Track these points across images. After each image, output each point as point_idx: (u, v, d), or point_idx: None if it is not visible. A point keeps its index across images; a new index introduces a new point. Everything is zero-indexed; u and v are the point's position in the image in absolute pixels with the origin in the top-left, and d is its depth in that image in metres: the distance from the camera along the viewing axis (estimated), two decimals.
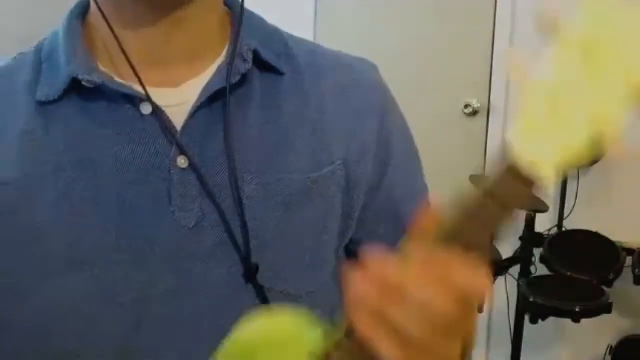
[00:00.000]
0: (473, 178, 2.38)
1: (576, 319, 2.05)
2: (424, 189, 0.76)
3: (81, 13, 0.70)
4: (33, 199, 0.65)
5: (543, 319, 2.09)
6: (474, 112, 2.68)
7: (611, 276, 2.16)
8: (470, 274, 0.47)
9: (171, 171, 0.65)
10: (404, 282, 0.48)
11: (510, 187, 0.47)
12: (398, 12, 2.71)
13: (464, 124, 2.69)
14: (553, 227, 2.44)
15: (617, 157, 0.49)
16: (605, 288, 2.11)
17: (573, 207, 2.46)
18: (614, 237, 2.25)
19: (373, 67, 0.76)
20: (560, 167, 0.45)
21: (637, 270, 2.13)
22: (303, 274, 0.70)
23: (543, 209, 2.27)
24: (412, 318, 0.47)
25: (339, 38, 2.68)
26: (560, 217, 2.44)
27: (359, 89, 0.73)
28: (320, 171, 0.69)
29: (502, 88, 2.59)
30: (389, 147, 0.73)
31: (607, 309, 2.05)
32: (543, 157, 0.45)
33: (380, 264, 0.49)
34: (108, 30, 0.66)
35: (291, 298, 0.68)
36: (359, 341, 0.50)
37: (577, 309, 2.03)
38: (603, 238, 2.26)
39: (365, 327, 0.49)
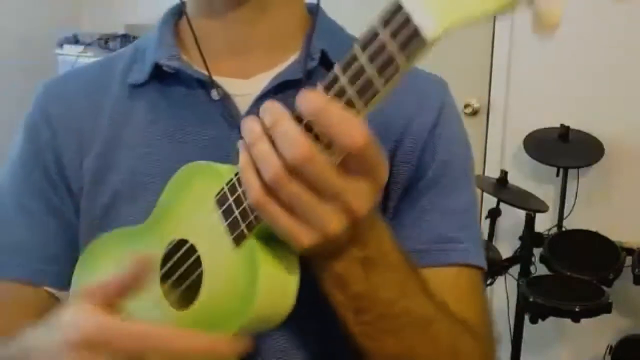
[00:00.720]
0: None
1: (576, 319, 2.05)
2: (461, 207, 0.75)
3: (177, 12, 0.80)
4: (109, 174, 0.74)
5: (543, 319, 2.09)
6: (474, 112, 2.68)
7: (611, 276, 2.16)
8: (341, 122, 0.49)
9: (230, 154, 0.69)
10: (280, 120, 0.51)
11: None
12: None
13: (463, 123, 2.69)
14: (553, 227, 2.44)
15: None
16: (605, 288, 2.11)
17: (573, 207, 2.46)
18: (614, 237, 2.25)
19: (439, 82, 0.79)
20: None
21: (637, 270, 2.12)
22: None
23: (543, 209, 2.27)
24: (271, 151, 0.51)
25: None
26: (560, 217, 2.44)
27: (416, 97, 0.75)
28: None
29: (502, 88, 2.59)
30: (431, 156, 0.74)
31: (607, 309, 2.05)
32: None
33: (274, 109, 0.52)
34: (198, 23, 0.75)
35: None
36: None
37: (577, 309, 2.02)
38: (603, 238, 2.26)
39: (242, 159, 0.54)
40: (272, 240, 0.57)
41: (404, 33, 0.47)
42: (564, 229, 2.42)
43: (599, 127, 2.38)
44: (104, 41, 2.84)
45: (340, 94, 0.51)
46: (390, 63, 0.48)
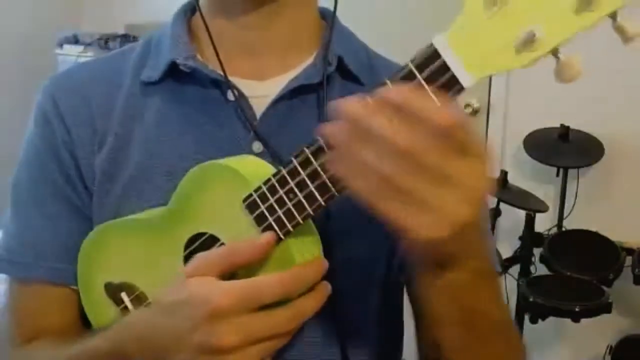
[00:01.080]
0: None
1: (576, 319, 2.05)
2: (483, 215, 0.76)
3: (190, 9, 0.78)
4: (119, 171, 0.73)
5: (543, 319, 2.09)
6: (474, 112, 2.68)
7: (611, 276, 2.16)
8: (427, 106, 0.49)
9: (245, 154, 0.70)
10: (373, 118, 0.49)
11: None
12: (398, 11, 2.71)
13: None
14: (553, 227, 2.44)
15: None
16: (605, 288, 2.11)
17: (573, 207, 2.46)
18: (614, 237, 2.25)
19: None
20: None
21: (637, 270, 2.12)
22: (357, 273, 0.72)
23: (543, 209, 2.27)
24: (376, 153, 0.50)
25: None
26: (560, 217, 2.44)
27: None
28: None
29: (502, 88, 2.59)
30: None
31: (607, 309, 2.05)
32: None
33: (354, 107, 0.51)
34: (211, 22, 0.74)
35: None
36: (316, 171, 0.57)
37: (577, 309, 2.02)
38: (603, 238, 2.26)
39: (336, 166, 0.53)
40: (304, 239, 0.62)
41: (441, 80, 0.51)
42: (564, 229, 2.41)
43: (599, 127, 2.38)
44: (104, 41, 2.84)
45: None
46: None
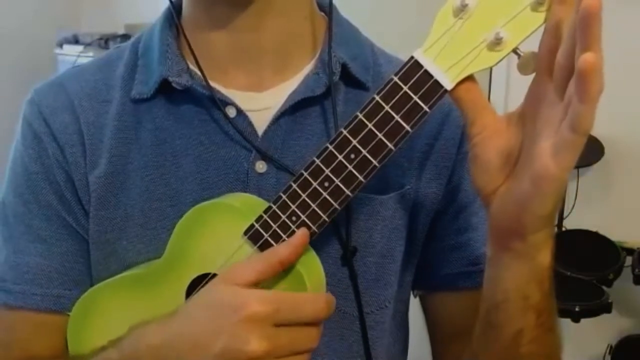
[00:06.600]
0: None
1: (576, 319, 2.05)
2: (484, 219, 0.74)
3: (177, 13, 0.72)
4: (118, 196, 0.69)
5: None
6: None
7: (611, 276, 2.16)
8: None
9: (249, 175, 0.67)
10: None
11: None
12: (397, 10, 2.71)
13: None
14: (553, 227, 2.44)
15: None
16: (605, 288, 2.11)
17: (573, 207, 2.46)
18: (614, 237, 2.25)
19: None
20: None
21: (637, 270, 2.12)
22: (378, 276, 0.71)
23: None
24: None
25: None
26: (560, 217, 2.44)
27: (440, 114, 0.72)
28: (387, 194, 0.70)
29: (502, 88, 2.59)
30: (461, 175, 0.73)
31: (607, 309, 2.05)
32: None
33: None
34: (201, 32, 0.69)
35: (347, 315, 0.70)
36: None
37: (577, 309, 2.02)
38: (603, 238, 2.26)
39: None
40: (306, 255, 0.62)
41: (426, 86, 0.56)
42: (564, 229, 2.41)
43: (599, 127, 2.37)
44: (104, 41, 2.84)
45: (368, 139, 0.57)
46: (416, 111, 0.57)
